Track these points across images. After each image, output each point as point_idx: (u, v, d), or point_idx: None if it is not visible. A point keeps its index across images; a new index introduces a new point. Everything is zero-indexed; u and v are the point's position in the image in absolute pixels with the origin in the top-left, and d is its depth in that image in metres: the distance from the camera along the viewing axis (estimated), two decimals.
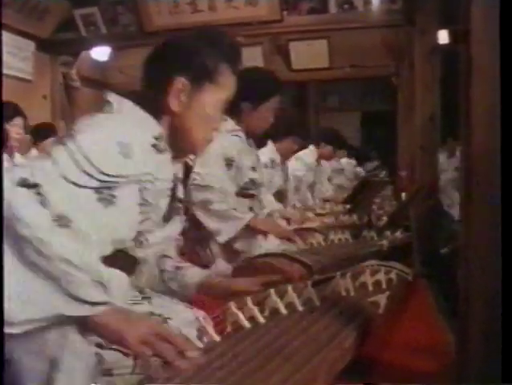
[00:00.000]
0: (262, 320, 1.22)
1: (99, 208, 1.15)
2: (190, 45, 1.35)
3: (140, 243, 1.28)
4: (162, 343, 1.02)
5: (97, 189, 1.15)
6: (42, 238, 1.04)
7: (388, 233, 2.81)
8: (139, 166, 1.21)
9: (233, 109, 2.51)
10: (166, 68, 1.32)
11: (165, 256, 1.51)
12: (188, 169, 2.48)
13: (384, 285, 1.73)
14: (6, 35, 5.20)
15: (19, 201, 1.05)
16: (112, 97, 1.30)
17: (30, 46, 5.61)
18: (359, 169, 7.53)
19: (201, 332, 1.13)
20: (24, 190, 1.06)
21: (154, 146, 1.27)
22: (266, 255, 2.17)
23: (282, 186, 3.84)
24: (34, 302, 1.03)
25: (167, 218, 1.34)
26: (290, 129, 4.00)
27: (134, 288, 1.38)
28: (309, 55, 6.76)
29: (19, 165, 1.14)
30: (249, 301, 1.24)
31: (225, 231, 2.36)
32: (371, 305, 1.53)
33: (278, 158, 3.81)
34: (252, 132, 2.58)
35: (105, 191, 1.16)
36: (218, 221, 2.36)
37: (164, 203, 1.32)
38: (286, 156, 3.98)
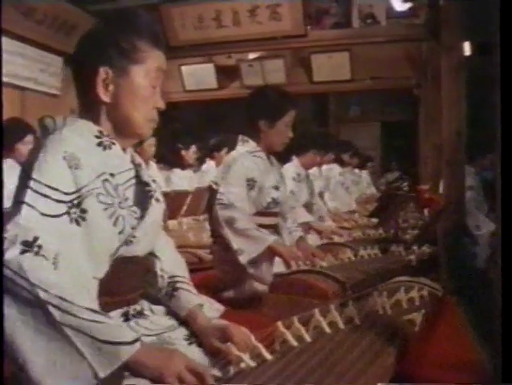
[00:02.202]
0: (308, 339, 1.27)
1: (74, 230, 1.17)
2: (103, 34, 1.32)
3: (129, 242, 1.27)
4: (194, 379, 1.05)
5: (67, 212, 1.17)
6: (61, 294, 1.04)
7: (415, 247, 2.83)
8: (92, 171, 1.23)
9: (251, 129, 2.58)
10: (87, 63, 1.29)
11: (152, 254, 1.42)
12: (212, 193, 2.54)
13: (417, 303, 1.76)
14: (35, 51, 5.34)
15: (30, 266, 1.05)
16: (46, 121, 1.31)
17: (59, 61, 5.72)
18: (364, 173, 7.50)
19: (253, 351, 1.17)
20: (30, 254, 1.07)
21: (99, 144, 1.28)
22: (300, 272, 2.21)
23: (308, 199, 3.90)
24: (72, 377, 1.02)
25: (142, 205, 1.33)
26: (312, 143, 4.06)
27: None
28: (331, 67, 6.80)
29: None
30: (295, 320, 1.29)
31: (247, 251, 2.36)
32: (407, 323, 1.56)
33: (303, 172, 3.87)
34: (272, 150, 2.63)
35: (73, 210, 1.18)
36: (241, 241, 2.37)
37: (130, 193, 1.32)
38: (309, 168, 4.04)
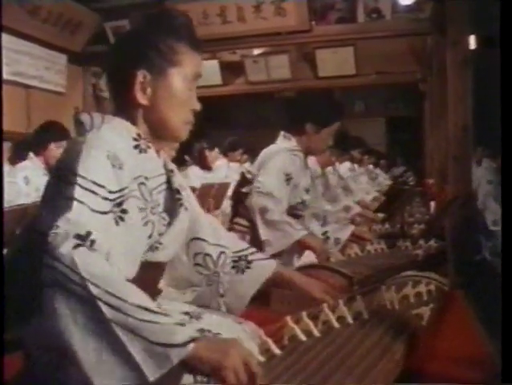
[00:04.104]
0: (317, 334, 1.27)
1: (114, 228, 1.16)
2: (141, 36, 1.31)
3: (156, 248, 1.28)
4: (245, 376, 0.99)
5: (112, 211, 1.15)
6: (113, 291, 1.00)
7: (421, 242, 2.83)
8: (130, 173, 1.22)
9: (295, 129, 2.61)
10: (125, 65, 1.29)
11: (197, 238, 1.48)
12: (244, 179, 2.58)
13: (424, 297, 1.76)
14: (41, 50, 5.35)
15: (82, 260, 1.01)
16: (83, 117, 1.29)
17: (63, 59, 5.74)
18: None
19: (263, 346, 1.18)
20: (83, 248, 1.03)
21: (136, 147, 1.27)
22: (308, 267, 2.22)
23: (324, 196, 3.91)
24: (119, 377, 0.97)
25: (171, 212, 1.34)
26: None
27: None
28: (335, 63, 6.77)
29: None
30: (304, 315, 1.29)
31: (275, 244, 2.41)
32: (415, 317, 1.56)
33: (319, 170, 3.89)
34: (311, 153, 2.68)
35: (116, 209, 1.16)
36: (271, 233, 2.41)
37: (161, 197, 1.32)
38: (324, 167, 4.05)
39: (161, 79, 1.29)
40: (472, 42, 3.91)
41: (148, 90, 1.28)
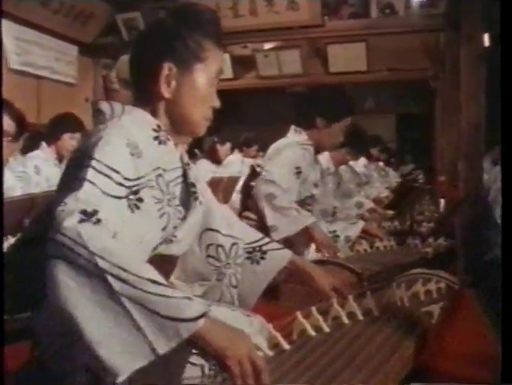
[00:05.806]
0: (327, 329, 1.26)
1: (130, 216, 1.15)
2: (169, 29, 1.31)
3: (170, 241, 1.28)
4: (250, 369, 0.98)
5: (126, 197, 1.15)
6: (121, 264, 0.98)
7: (431, 240, 2.82)
8: (149, 163, 1.22)
9: (306, 123, 2.62)
10: (151, 56, 1.30)
11: (210, 229, 1.50)
12: (254, 173, 2.59)
13: (434, 295, 1.75)
14: (52, 40, 5.36)
15: (89, 234, 0.99)
16: (103, 105, 1.30)
17: (74, 50, 5.74)
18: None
19: (271, 341, 1.16)
20: (88, 223, 1.01)
21: (156, 138, 1.28)
22: (318, 262, 2.21)
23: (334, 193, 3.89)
24: (128, 350, 0.95)
25: (186, 206, 1.35)
26: (348, 140, 4.01)
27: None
28: (347, 58, 6.72)
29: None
30: (314, 310, 1.28)
31: (282, 228, 2.41)
32: (425, 315, 1.55)
33: (332, 167, 3.87)
34: (321, 148, 2.69)
35: (132, 196, 1.16)
36: (277, 218, 2.42)
37: (177, 190, 1.33)
38: (338, 165, 4.03)
39: (187, 73, 1.30)
40: (486, 39, 3.87)
41: (173, 83, 1.30)
